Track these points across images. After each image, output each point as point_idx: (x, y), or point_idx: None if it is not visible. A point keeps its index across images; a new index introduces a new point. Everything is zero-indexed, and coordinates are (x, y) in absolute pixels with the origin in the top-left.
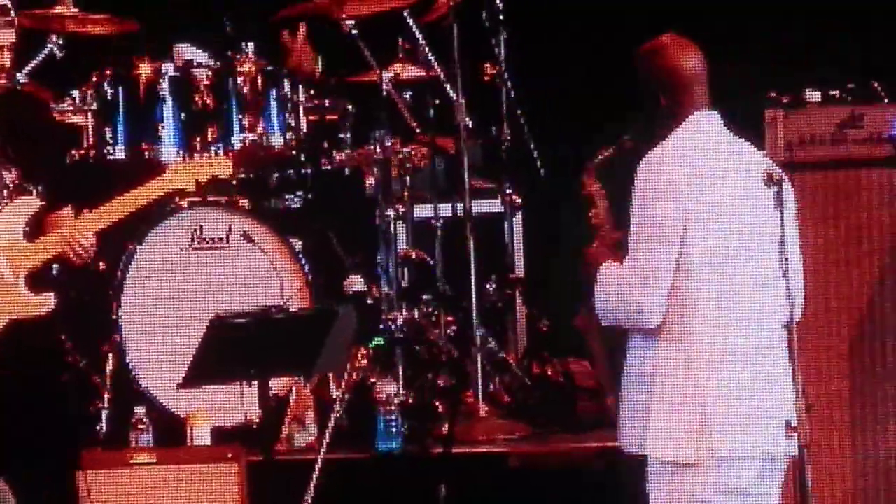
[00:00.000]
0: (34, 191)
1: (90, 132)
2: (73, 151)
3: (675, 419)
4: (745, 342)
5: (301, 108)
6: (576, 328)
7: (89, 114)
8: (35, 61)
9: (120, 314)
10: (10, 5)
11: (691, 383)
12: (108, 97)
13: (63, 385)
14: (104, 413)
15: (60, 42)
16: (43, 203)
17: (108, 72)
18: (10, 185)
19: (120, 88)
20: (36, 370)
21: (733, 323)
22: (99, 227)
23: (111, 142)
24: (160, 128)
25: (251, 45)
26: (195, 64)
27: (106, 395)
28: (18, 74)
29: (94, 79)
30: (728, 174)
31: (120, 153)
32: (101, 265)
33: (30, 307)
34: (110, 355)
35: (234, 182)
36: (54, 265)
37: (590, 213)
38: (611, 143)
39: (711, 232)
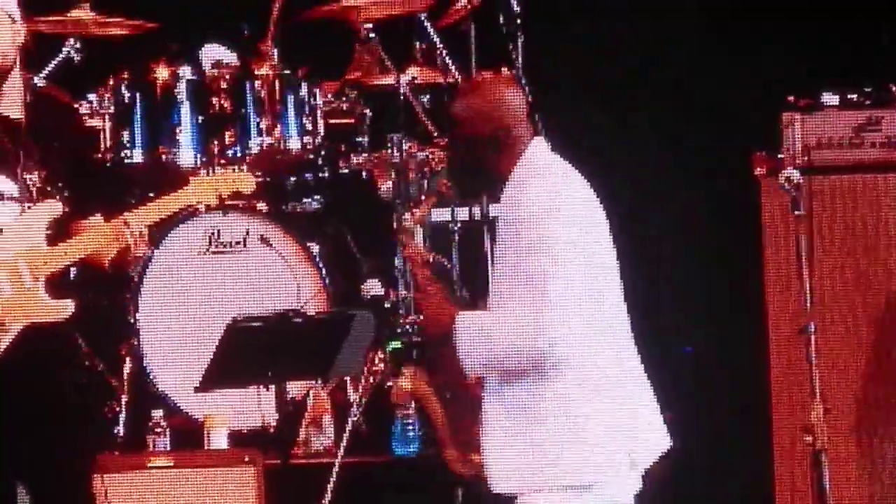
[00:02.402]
0: (58, 195)
1: (107, 136)
2: (94, 155)
3: (566, 449)
4: (618, 371)
5: (318, 112)
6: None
7: (106, 117)
8: (52, 64)
9: (138, 317)
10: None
11: (580, 415)
12: (125, 101)
13: (81, 389)
14: (122, 416)
15: (77, 45)
16: (66, 209)
17: (124, 75)
18: (34, 188)
19: (137, 92)
20: (53, 374)
21: (611, 352)
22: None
23: (128, 146)
24: (177, 131)
25: (272, 48)
26: (222, 64)
27: (123, 399)
28: (36, 78)
29: (111, 82)
30: (588, 199)
31: (137, 157)
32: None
33: (48, 312)
34: (128, 359)
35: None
36: (72, 269)
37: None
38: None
39: (591, 261)
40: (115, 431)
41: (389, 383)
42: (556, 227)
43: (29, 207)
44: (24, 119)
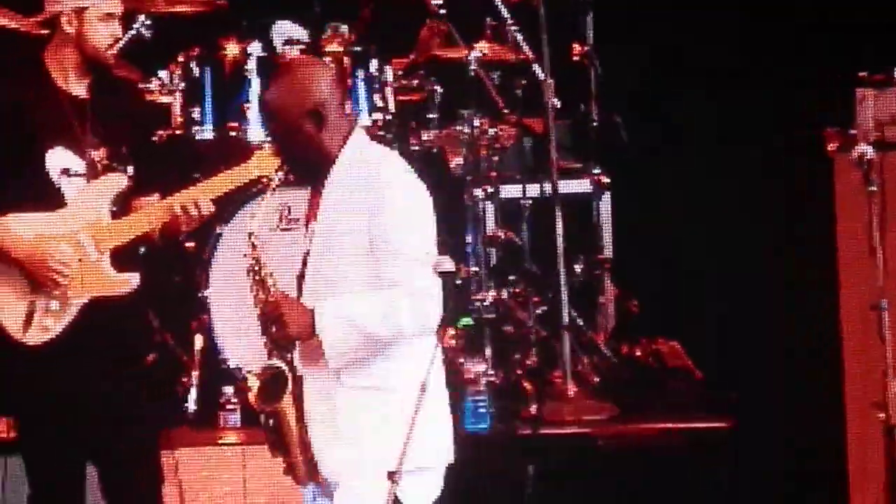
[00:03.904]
0: (123, 169)
1: (177, 112)
2: (161, 131)
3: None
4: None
5: (389, 88)
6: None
7: (176, 94)
8: (123, 41)
9: (208, 293)
10: None
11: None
12: (196, 77)
13: (150, 364)
14: (192, 392)
15: (148, 22)
16: (130, 182)
17: (195, 52)
18: (98, 163)
19: (207, 68)
20: (121, 348)
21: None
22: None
23: (198, 122)
24: (247, 108)
25: (342, 24)
26: (292, 41)
27: (194, 375)
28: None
29: (182, 59)
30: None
31: (207, 133)
32: (190, 244)
33: (113, 285)
34: (199, 334)
35: None
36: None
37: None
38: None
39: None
40: (186, 407)
41: (461, 360)
42: (410, 201)
43: (93, 181)
44: (90, 96)
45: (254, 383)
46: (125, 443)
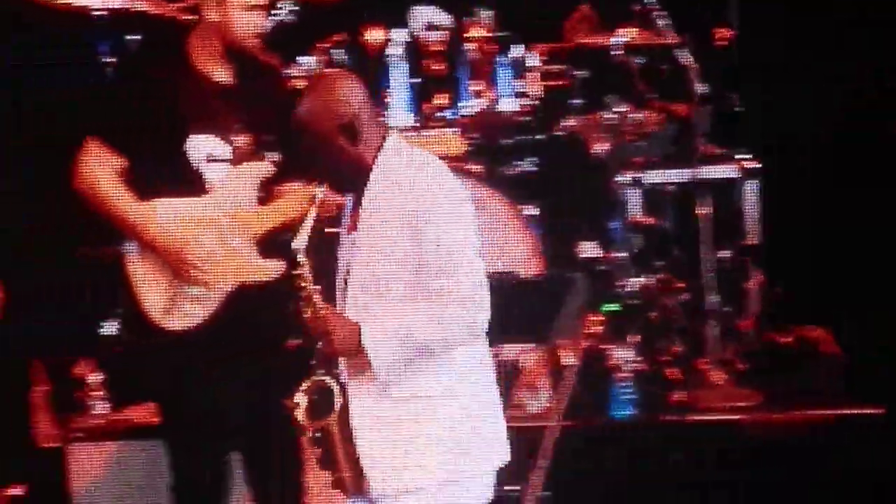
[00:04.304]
0: (266, 156)
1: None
2: None
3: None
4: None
5: (533, 74)
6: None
7: None
8: (266, 27)
9: None
10: None
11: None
12: (338, 63)
13: (291, 352)
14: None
15: (291, 7)
16: (276, 169)
17: (337, 38)
18: (243, 150)
19: (349, 54)
20: (264, 335)
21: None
22: None
23: None
24: (389, 94)
25: (485, 10)
26: (434, 26)
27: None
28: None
29: (324, 45)
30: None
31: None
32: (332, 230)
33: (259, 272)
34: None
35: (467, 149)
36: (287, 233)
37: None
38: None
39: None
40: None
41: (606, 346)
42: (453, 209)
43: (237, 168)
44: (234, 82)
45: (301, 399)
46: (268, 430)
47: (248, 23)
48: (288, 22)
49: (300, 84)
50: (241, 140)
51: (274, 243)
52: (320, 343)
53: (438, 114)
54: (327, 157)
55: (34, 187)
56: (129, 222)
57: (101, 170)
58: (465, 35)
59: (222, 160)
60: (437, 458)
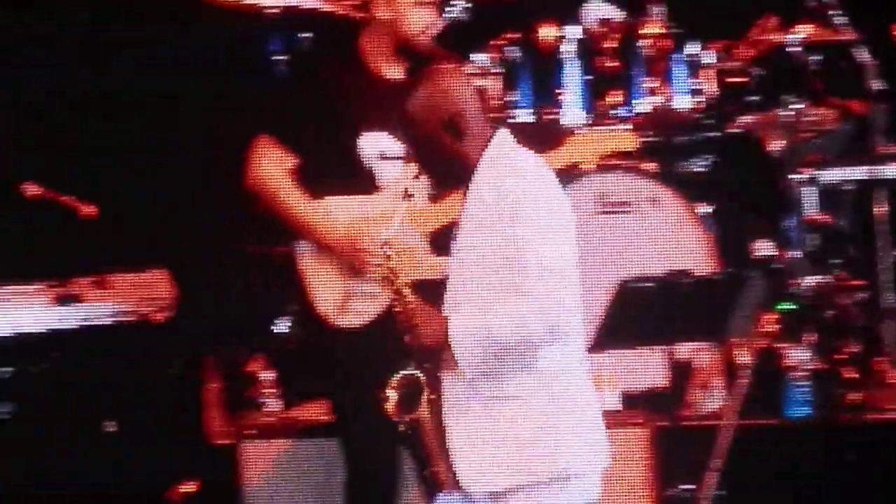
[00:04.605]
0: None
1: (494, 97)
2: None
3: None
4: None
5: (708, 72)
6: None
7: (493, 78)
8: (440, 25)
9: None
10: None
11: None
12: (512, 61)
13: None
14: None
15: (465, 6)
16: None
17: (512, 36)
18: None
19: (523, 52)
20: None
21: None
22: None
23: (514, 106)
24: (563, 92)
25: (658, 7)
26: (606, 22)
27: None
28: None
29: (499, 42)
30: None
31: (523, 117)
32: None
33: (432, 269)
34: None
35: (640, 146)
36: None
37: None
38: None
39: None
40: None
41: (781, 346)
42: (542, 209)
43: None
44: (406, 80)
45: (392, 393)
46: None
47: (419, 20)
48: (461, 19)
49: (475, 81)
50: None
51: (447, 240)
52: (408, 336)
53: (612, 112)
54: (431, 152)
55: (207, 185)
56: (301, 220)
57: (273, 168)
58: (639, 32)
59: (394, 157)
60: (524, 458)
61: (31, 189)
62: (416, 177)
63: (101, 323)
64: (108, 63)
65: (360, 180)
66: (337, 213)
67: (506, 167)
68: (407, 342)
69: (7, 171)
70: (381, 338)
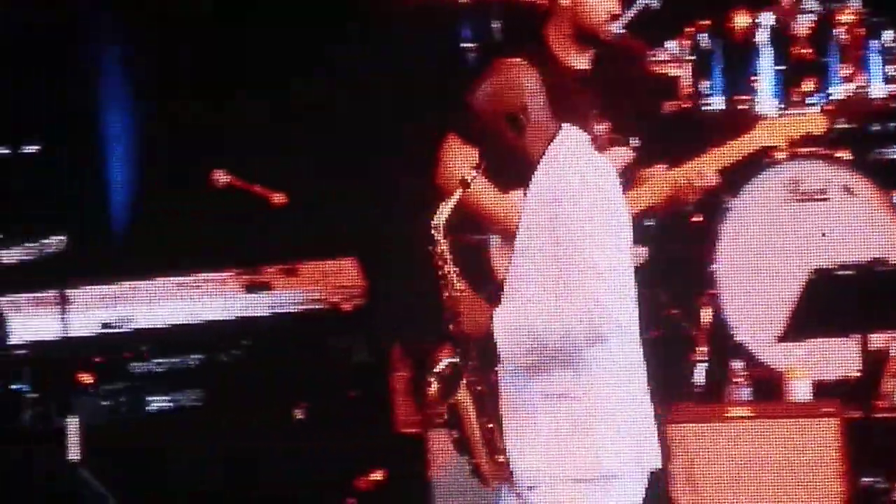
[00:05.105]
0: (626, 143)
1: (686, 84)
2: (669, 103)
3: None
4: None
5: None
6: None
7: (685, 66)
8: (631, 13)
9: (716, 267)
10: None
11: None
12: (704, 49)
13: (657, 339)
14: (700, 366)
15: None
16: (635, 155)
17: (704, 22)
18: (603, 136)
19: (716, 39)
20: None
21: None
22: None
23: (707, 94)
24: (756, 79)
25: None
26: (802, 10)
27: (702, 349)
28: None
29: (691, 30)
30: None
31: (716, 105)
32: (698, 218)
33: None
34: (707, 308)
35: (833, 134)
36: (649, 219)
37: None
38: None
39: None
40: (694, 381)
41: None
42: (592, 208)
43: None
44: (592, 69)
45: (435, 379)
46: None
47: (600, 7)
48: (654, 7)
49: (665, 70)
50: (600, 127)
51: (636, 230)
52: (453, 324)
53: (807, 99)
54: (491, 146)
55: (394, 179)
56: (491, 214)
57: (462, 165)
58: (835, 19)
59: None
60: (572, 456)
61: (222, 178)
62: (477, 167)
63: (290, 311)
64: (302, 57)
65: None
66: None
67: (566, 165)
68: (450, 329)
69: (199, 160)
70: None
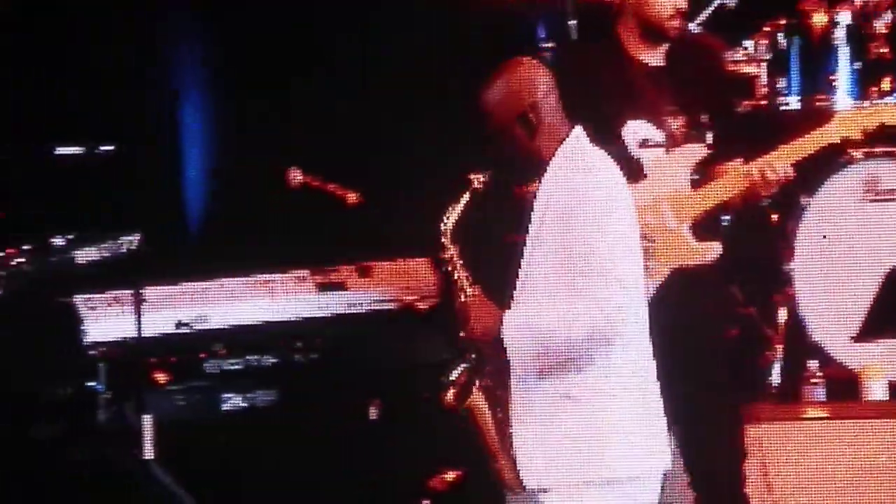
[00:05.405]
0: (702, 139)
1: (763, 82)
2: (745, 101)
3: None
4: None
5: None
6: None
7: (762, 64)
8: (708, 10)
9: (793, 266)
10: None
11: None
12: (782, 47)
13: (732, 337)
14: (776, 366)
15: None
16: (710, 151)
17: (781, 21)
18: (678, 132)
19: (793, 38)
20: (703, 320)
21: (644, 344)
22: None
23: (784, 92)
24: (834, 78)
25: None
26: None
27: (778, 348)
28: (690, 24)
29: (768, 28)
30: (626, 190)
31: (793, 104)
32: (775, 216)
33: (694, 254)
34: (783, 307)
35: None
36: (725, 217)
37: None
38: None
39: (637, 253)
40: (769, 381)
41: None
42: (602, 210)
43: (672, 151)
44: (665, 65)
45: (451, 383)
46: (706, 416)
47: (664, 3)
48: (730, 6)
49: (742, 69)
50: (675, 123)
51: (710, 225)
52: (464, 330)
53: (884, 98)
54: (502, 146)
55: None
56: None
57: None
58: None
59: (657, 144)
60: (582, 459)
61: (297, 177)
62: (484, 171)
63: (364, 310)
64: (379, 57)
65: (625, 169)
66: None
67: (576, 166)
68: (462, 334)
69: (274, 160)
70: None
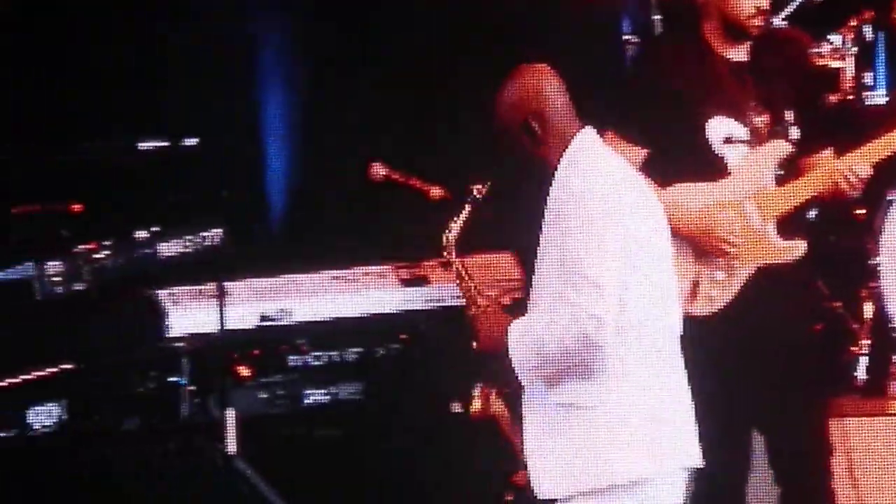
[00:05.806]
0: (787, 135)
1: (849, 77)
2: (831, 96)
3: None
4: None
5: None
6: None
7: (848, 58)
8: (793, 4)
9: (879, 260)
10: None
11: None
12: (868, 41)
13: (818, 332)
14: (861, 360)
15: None
16: (794, 148)
17: (868, 15)
18: (762, 128)
19: (880, 32)
20: (789, 317)
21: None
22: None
23: (870, 87)
24: None
25: None
26: None
27: (864, 343)
28: (775, 18)
29: (854, 23)
30: (640, 191)
31: (879, 99)
32: (861, 211)
33: (779, 253)
34: (868, 301)
35: None
36: (811, 211)
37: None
38: None
39: (645, 257)
40: (855, 375)
41: None
42: (593, 216)
43: (756, 148)
44: (749, 60)
45: (477, 393)
46: (791, 411)
47: (746, 2)
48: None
49: (828, 63)
50: (760, 119)
51: (795, 223)
52: (476, 341)
53: None
54: (507, 152)
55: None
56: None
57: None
58: None
59: (741, 141)
60: (588, 466)
61: (380, 171)
62: (486, 181)
63: (448, 304)
64: (462, 52)
65: (708, 166)
66: (687, 200)
67: (575, 171)
68: (474, 346)
69: (357, 154)
70: (732, 323)
